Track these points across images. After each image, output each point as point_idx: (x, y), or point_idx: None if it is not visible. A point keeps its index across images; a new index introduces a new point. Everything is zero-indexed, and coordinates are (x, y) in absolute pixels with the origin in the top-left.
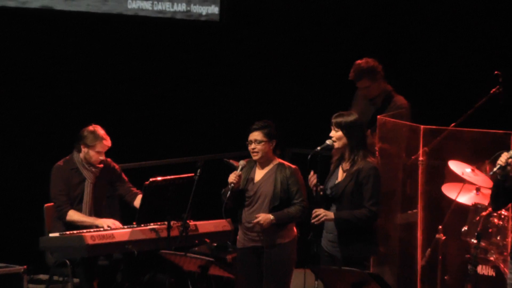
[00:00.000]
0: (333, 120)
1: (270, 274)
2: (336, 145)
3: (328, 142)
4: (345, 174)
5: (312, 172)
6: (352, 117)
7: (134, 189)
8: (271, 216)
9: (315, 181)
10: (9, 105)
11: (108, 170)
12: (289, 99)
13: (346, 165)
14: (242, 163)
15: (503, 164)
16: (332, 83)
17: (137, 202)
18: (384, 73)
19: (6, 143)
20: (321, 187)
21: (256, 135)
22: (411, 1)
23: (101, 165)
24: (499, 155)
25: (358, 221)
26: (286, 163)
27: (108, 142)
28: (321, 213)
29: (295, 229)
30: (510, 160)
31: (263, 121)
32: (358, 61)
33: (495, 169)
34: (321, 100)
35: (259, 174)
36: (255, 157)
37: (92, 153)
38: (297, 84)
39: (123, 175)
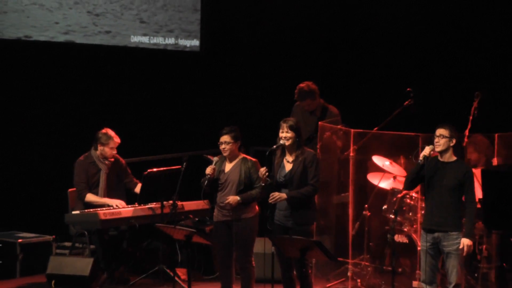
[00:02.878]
0: (286, 125)
1: (238, 241)
2: (288, 143)
3: (281, 141)
4: (292, 164)
5: (264, 168)
6: (296, 120)
7: (135, 179)
8: (238, 197)
9: (265, 174)
10: (46, 117)
11: (117, 164)
12: (251, 109)
13: (290, 157)
14: (215, 158)
15: (427, 155)
16: (282, 99)
17: (137, 189)
18: (320, 90)
19: (41, 143)
20: (269, 179)
21: (225, 138)
22: (348, 29)
23: (112, 159)
24: (422, 149)
25: (304, 196)
26: (248, 157)
27: (118, 140)
28: (276, 195)
29: (257, 207)
30: (432, 152)
31: (230, 127)
32: (301, 85)
33: (421, 158)
34: (275, 111)
35: (228, 166)
36: (225, 154)
37: (107, 149)
38: (256, 98)
39: (128, 169)
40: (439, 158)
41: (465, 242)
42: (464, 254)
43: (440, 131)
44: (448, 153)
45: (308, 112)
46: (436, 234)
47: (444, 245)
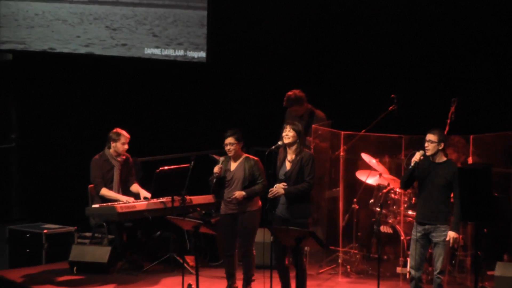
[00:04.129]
0: (290, 125)
1: (242, 231)
2: (288, 141)
3: (279, 143)
4: (291, 163)
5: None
6: (299, 124)
7: (134, 180)
8: (243, 193)
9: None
10: (68, 121)
11: (128, 161)
12: (252, 112)
13: (291, 157)
14: (222, 159)
15: (417, 161)
16: (280, 103)
17: (131, 187)
18: (314, 95)
19: (64, 145)
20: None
21: (229, 140)
22: (339, 39)
23: (124, 157)
24: (413, 154)
25: (299, 192)
26: (250, 156)
27: (127, 135)
28: (275, 190)
29: (259, 202)
30: (421, 157)
31: (233, 129)
32: (289, 93)
33: (412, 164)
34: (273, 114)
35: (233, 165)
36: (230, 154)
37: (119, 144)
38: (256, 102)
39: (133, 169)
40: (431, 159)
41: (451, 234)
42: (450, 245)
43: (429, 137)
44: (438, 155)
45: (297, 117)
46: (426, 226)
47: (433, 235)
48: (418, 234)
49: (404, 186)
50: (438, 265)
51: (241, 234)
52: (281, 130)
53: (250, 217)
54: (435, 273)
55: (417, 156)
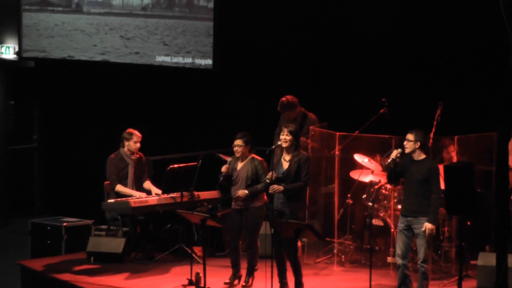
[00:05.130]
0: (287, 129)
1: (247, 225)
2: (286, 144)
3: (279, 142)
4: (289, 162)
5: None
6: (295, 126)
7: (147, 177)
8: (246, 191)
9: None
10: (86, 123)
11: (141, 160)
12: (254, 114)
13: (287, 156)
14: (229, 159)
15: (394, 158)
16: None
17: (144, 184)
18: (303, 100)
19: (81, 146)
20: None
21: (238, 142)
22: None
23: (137, 155)
24: (391, 152)
25: (296, 189)
26: (256, 156)
27: (139, 134)
28: (275, 187)
29: (265, 197)
30: (398, 155)
31: (243, 132)
32: (282, 99)
33: (389, 161)
34: (274, 115)
35: (239, 165)
36: (237, 155)
37: (131, 143)
38: (258, 105)
39: (145, 167)
40: (411, 157)
41: (427, 226)
42: (427, 235)
43: (407, 136)
44: (416, 153)
45: (290, 120)
46: (409, 218)
47: (414, 227)
48: (402, 225)
49: (389, 181)
50: (421, 254)
51: (246, 228)
52: (274, 131)
53: (254, 213)
54: (419, 262)
55: (394, 153)
